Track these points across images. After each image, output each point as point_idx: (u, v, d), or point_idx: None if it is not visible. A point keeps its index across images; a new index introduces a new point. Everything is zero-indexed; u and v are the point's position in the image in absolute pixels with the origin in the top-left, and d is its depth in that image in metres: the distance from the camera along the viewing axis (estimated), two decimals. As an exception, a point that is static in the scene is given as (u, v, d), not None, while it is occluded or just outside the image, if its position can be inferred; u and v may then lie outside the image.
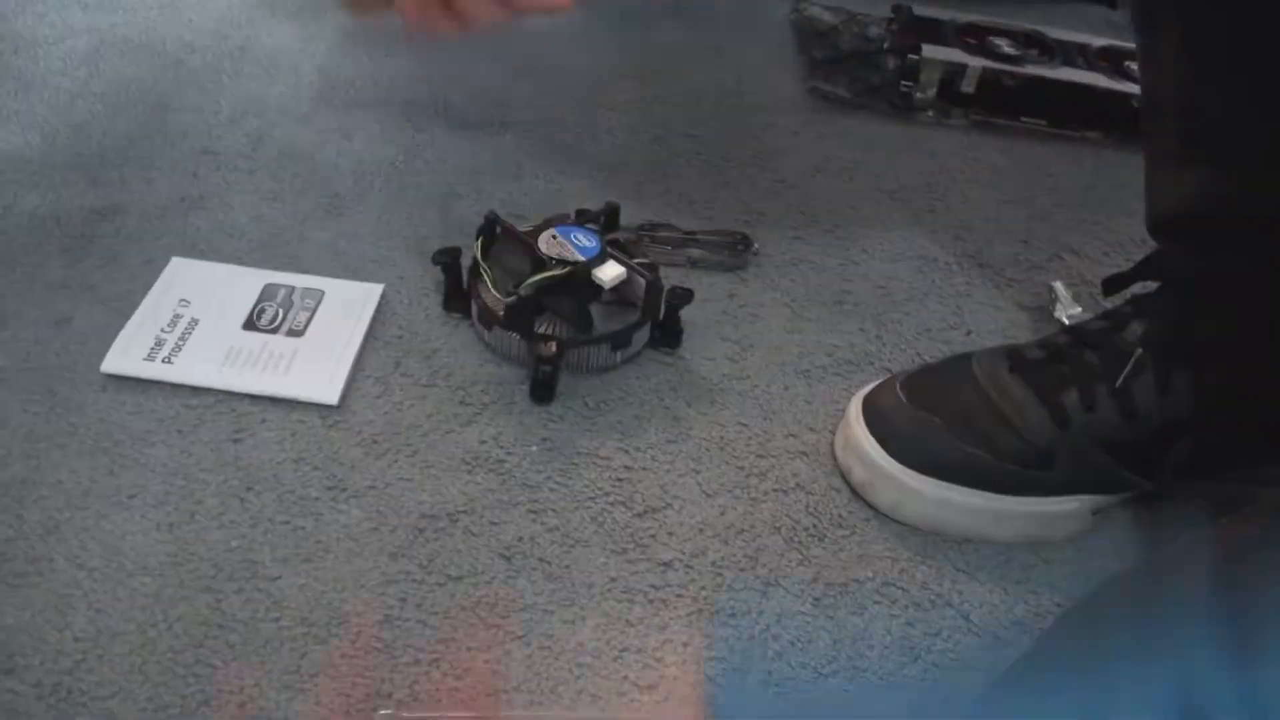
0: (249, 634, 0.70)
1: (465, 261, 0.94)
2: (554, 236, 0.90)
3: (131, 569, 0.74)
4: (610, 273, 0.88)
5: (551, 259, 0.88)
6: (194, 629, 0.71)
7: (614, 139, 1.21)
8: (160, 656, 0.69)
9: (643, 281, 0.88)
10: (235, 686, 0.67)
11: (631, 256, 0.91)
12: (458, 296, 0.94)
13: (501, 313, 0.87)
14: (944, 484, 0.80)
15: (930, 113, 1.34)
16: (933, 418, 0.81)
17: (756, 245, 1.04)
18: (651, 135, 1.22)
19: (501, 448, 0.84)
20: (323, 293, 0.95)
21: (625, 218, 0.99)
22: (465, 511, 0.79)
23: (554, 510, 0.80)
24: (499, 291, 0.88)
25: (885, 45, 1.43)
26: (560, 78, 1.32)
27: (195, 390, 0.86)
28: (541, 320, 0.88)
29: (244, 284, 0.95)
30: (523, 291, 0.86)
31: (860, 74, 1.39)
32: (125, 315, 0.91)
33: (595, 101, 1.28)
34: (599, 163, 1.17)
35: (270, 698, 0.67)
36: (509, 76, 1.31)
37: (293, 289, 0.95)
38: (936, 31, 1.38)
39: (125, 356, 0.87)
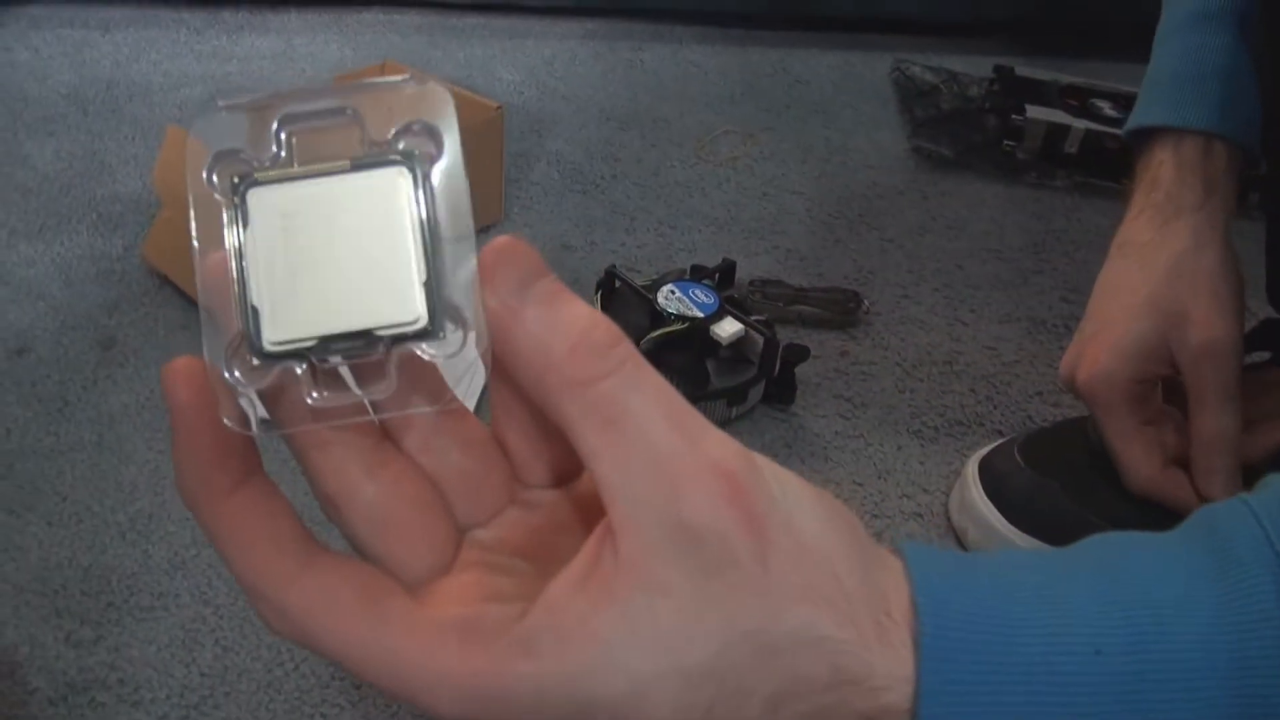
0: (376, 678, 0.71)
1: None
2: (672, 292, 0.91)
3: (258, 608, 0.76)
4: (728, 329, 0.89)
5: (670, 314, 0.89)
6: (320, 670, 0.72)
7: (723, 194, 1.23)
8: (286, 696, 0.70)
9: (759, 338, 0.89)
10: (364, 730, 0.69)
11: (747, 313, 0.92)
12: (574, 349, 0.95)
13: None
14: (1059, 550, 0.80)
15: (1033, 173, 1.34)
16: (1049, 481, 0.81)
17: (867, 303, 1.05)
18: (760, 191, 1.24)
19: (619, 500, 0.85)
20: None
21: (736, 273, 1.00)
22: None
23: (671, 564, 0.80)
24: (619, 346, 0.89)
25: (987, 105, 1.43)
26: (667, 131, 1.34)
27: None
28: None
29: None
30: (642, 346, 0.87)
31: (962, 133, 1.39)
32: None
33: (703, 157, 1.29)
34: (709, 217, 1.18)
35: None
36: (617, 129, 1.33)
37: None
38: (1039, 92, 1.38)
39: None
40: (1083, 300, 1.09)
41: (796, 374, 0.94)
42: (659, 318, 0.90)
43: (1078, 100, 1.38)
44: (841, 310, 1.04)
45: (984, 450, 0.87)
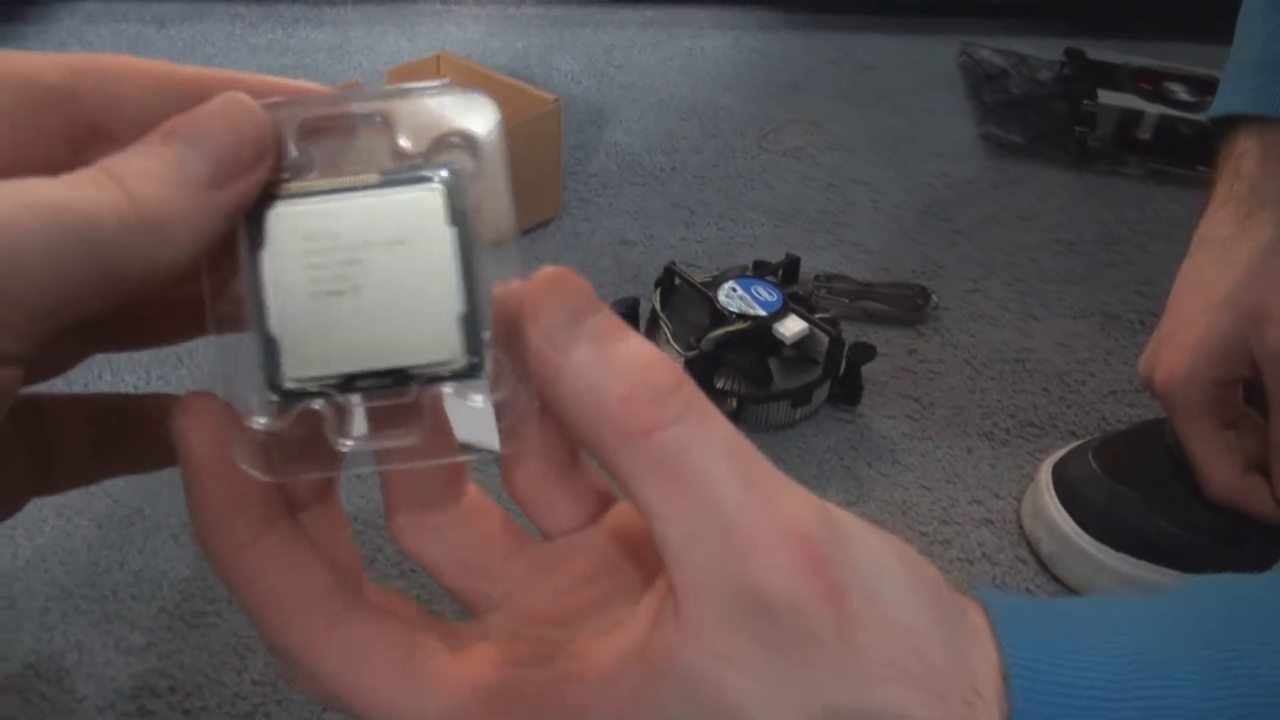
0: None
1: (642, 310, 0.93)
2: (734, 289, 0.89)
3: (313, 616, 0.74)
4: (792, 328, 0.86)
5: (732, 313, 0.87)
6: None
7: (786, 185, 1.20)
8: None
9: (824, 337, 0.87)
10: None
11: (812, 310, 0.89)
12: (635, 347, 0.93)
13: (681, 366, 0.86)
14: (1137, 561, 0.77)
15: (1105, 160, 1.30)
16: (1126, 490, 0.78)
17: (935, 298, 1.02)
18: (824, 182, 1.21)
19: (680, 505, 0.83)
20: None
21: (800, 268, 0.97)
22: (645, 571, 0.78)
23: (734, 572, 0.78)
24: (678, 345, 0.87)
25: (1058, 90, 1.39)
26: (727, 121, 1.31)
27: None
28: (720, 375, 0.86)
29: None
30: (703, 346, 0.85)
31: (1033, 119, 1.36)
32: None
33: (765, 147, 1.26)
34: (771, 210, 1.16)
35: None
36: (676, 119, 1.31)
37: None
38: (1111, 76, 1.35)
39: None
40: (1158, 294, 1.07)
41: (863, 373, 0.91)
42: (720, 316, 0.87)
43: (1151, 84, 1.34)
44: (909, 306, 1.01)
45: (1058, 454, 0.84)
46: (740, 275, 0.91)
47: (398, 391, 0.31)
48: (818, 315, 0.89)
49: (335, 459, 0.32)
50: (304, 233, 0.31)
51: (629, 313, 0.92)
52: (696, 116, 1.31)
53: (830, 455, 0.88)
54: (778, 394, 0.86)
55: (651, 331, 0.91)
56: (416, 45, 1.47)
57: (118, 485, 0.84)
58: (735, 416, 0.84)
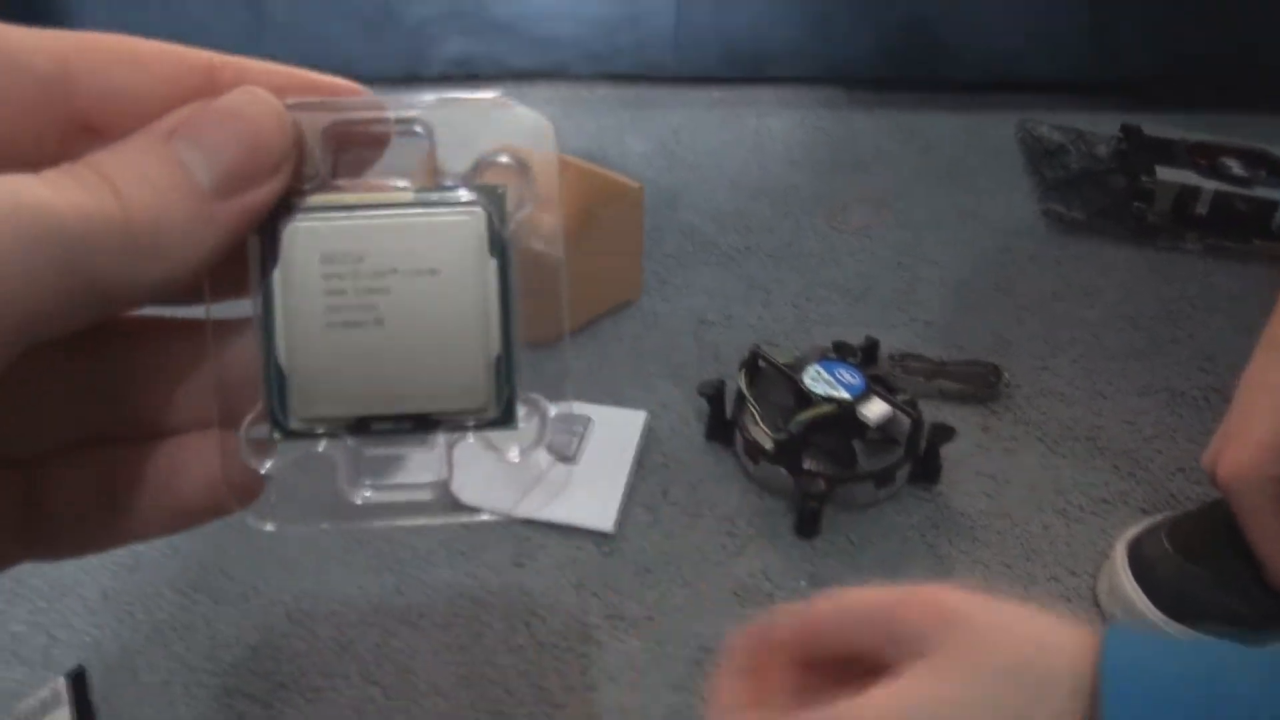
0: (544, 763, 0.74)
1: (728, 391, 0.97)
2: (819, 372, 0.93)
3: (423, 689, 0.78)
4: (876, 411, 0.90)
5: (817, 396, 0.91)
6: (489, 754, 0.74)
7: (856, 263, 1.24)
8: (456, 779, 0.73)
9: (905, 419, 0.90)
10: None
11: (891, 391, 0.93)
12: (721, 427, 0.97)
13: (770, 448, 0.90)
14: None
15: (1164, 236, 1.33)
16: (1198, 569, 0.81)
17: (1007, 376, 1.05)
18: (893, 260, 1.25)
19: (770, 581, 0.86)
20: (590, 419, 0.99)
21: (878, 348, 1.01)
22: (740, 646, 0.81)
23: (825, 647, 0.82)
24: (767, 426, 0.91)
25: (1115, 165, 1.43)
26: (797, 199, 1.35)
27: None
28: (808, 455, 0.90)
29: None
30: (792, 429, 0.89)
31: (1092, 194, 1.39)
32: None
33: (834, 226, 1.30)
34: (844, 288, 1.20)
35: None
36: (747, 198, 1.35)
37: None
38: (1168, 152, 1.38)
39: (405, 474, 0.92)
40: (1219, 370, 1.10)
41: (941, 452, 0.94)
42: (806, 399, 0.91)
43: (1206, 159, 1.37)
44: (982, 384, 1.04)
45: (1132, 532, 0.87)
46: (823, 358, 0.95)
47: (417, 439, 0.29)
48: (898, 397, 0.93)
49: (347, 510, 0.30)
50: (324, 253, 0.28)
51: (715, 395, 0.96)
52: (766, 195, 1.36)
53: (913, 533, 0.91)
54: (863, 475, 0.90)
55: (739, 413, 0.95)
56: (490, 129, 1.52)
57: (230, 561, 0.88)
58: (823, 497, 0.88)
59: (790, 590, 0.86)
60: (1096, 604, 0.87)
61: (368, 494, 0.30)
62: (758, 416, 0.92)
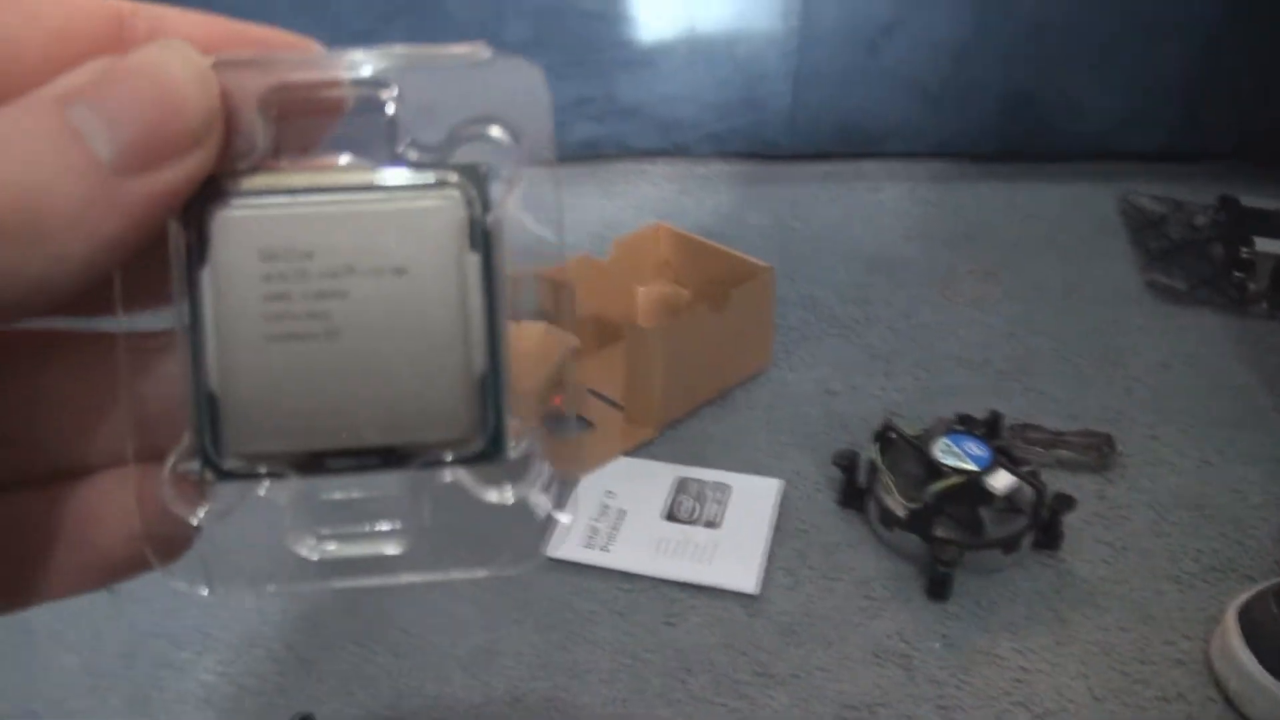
0: (708, 809, 0.81)
1: (860, 462, 1.04)
2: (948, 445, 1.00)
3: (592, 738, 0.86)
4: (1002, 482, 0.96)
5: (948, 467, 0.97)
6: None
7: (972, 334, 1.31)
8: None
9: (1029, 490, 0.97)
10: None
11: (1014, 461, 1.00)
12: (854, 495, 1.04)
13: (904, 515, 0.97)
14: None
15: (1264, 304, 1.38)
16: (1306, 632, 0.87)
17: (1120, 446, 1.11)
18: (1005, 331, 1.31)
19: (905, 642, 0.93)
20: (730, 487, 1.06)
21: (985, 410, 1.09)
22: (881, 704, 0.88)
23: (961, 708, 0.88)
24: (901, 496, 0.98)
25: (1214, 235, 1.48)
26: (912, 271, 1.43)
27: (627, 575, 0.98)
28: (938, 523, 0.97)
29: (659, 477, 1.08)
30: (926, 498, 0.96)
31: (1193, 264, 1.45)
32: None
33: (948, 297, 1.37)
34: (961, 359, 1.26)
35: None
36: (863, 270, 1.42)
37: (703, 483, 1.07)
38: (1266, 221, 1.43)
39: (566, 542, 1.00)
40: (1323, 443, 1.16)
41: (1062, 519, 1.01)
42: (936, 470, 0.98)
43: (1302, 228, 1.42)
44: (1096, 454, 1.11)
45: (1243, 597, 0.92)
46: (949, 430, 1.02)
47: (382, 479, 0.24)
48: (1022, 468, 0.99)
49: (298, 569, 0.25)
50: (263, 248, 0.23)
51: (849, 465, 1.03)
52: (882, 267, 1.43)
53: (1036, 598, 0.97)
54: (991, 542, 0.97)
55: (872, 482, 1.02)
56: (615, 204, 1.61)
57: (406, 618, 0.96)
58: (954, 563, 0.94)
59: (925, 651, 0.92)
60: (1210, 667, 0.92)
61: (329, 547, 0.25)
62: (892, 486, 0.99)
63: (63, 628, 0.95)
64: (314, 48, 0.24)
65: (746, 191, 1.62)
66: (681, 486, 1.07)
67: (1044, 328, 1.32)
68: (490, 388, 0.23)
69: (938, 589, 0.96)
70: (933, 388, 1.22)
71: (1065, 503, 0.99)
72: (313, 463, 0.24)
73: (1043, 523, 1.00)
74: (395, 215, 0.23)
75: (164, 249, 0.23)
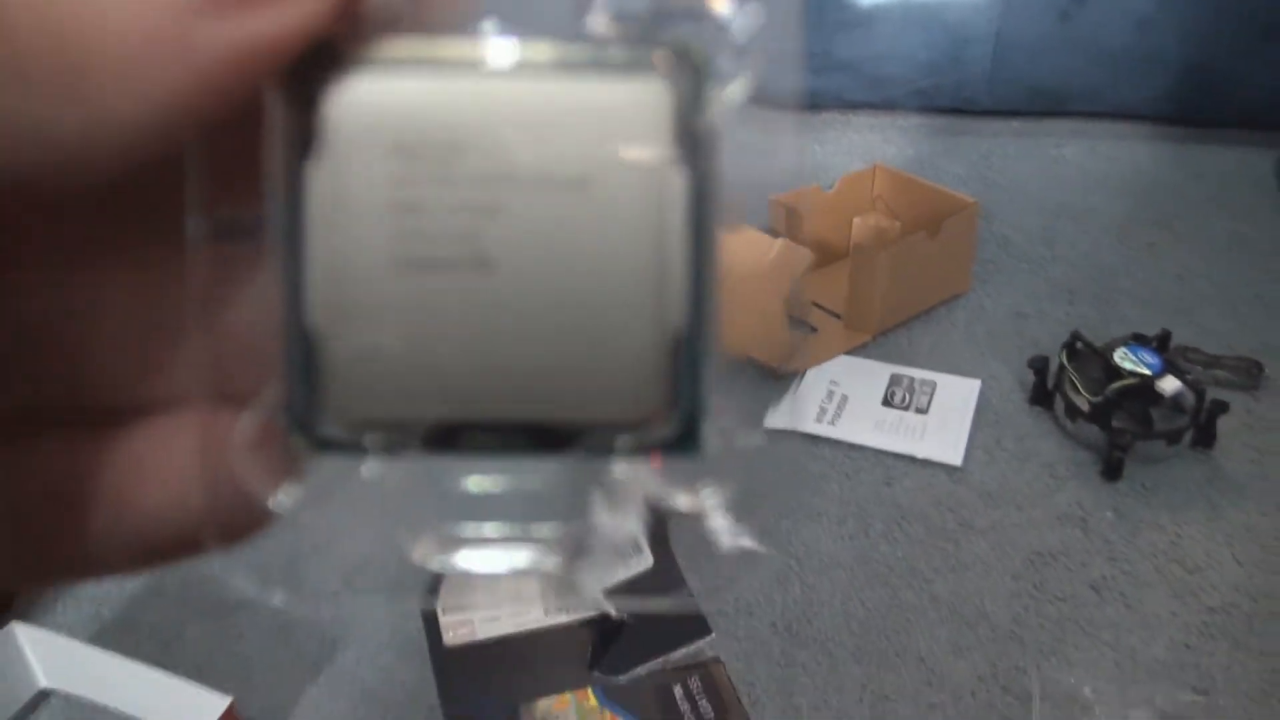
0: (916, 617, 1.03)
1: (1051, 367, 1.25)
2: (1126, 353, 1.20)
3: (828, 563, 1.08)
4: (1171, 386, 1.17)
5: (1126, 370, 1.18)
6: (880, 607, 1.04)
7: (1145, 274, 1.51)
8: (859, 623, 1.03)
9: (1191, 394, 1.17)
10: (915, 650, 1.00)
11: (1181, 373, 1.20)
12: (1043, 394, 1.25)
13: (1087, 409, 1.18)
14: None
15: None
16: None
17: (1267, 371, 1.31)
18: (1174, 274, 1.51)
19: (1083, 510, 1.14)
20: (935, 383, 1.28)
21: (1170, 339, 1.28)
22: (1062, 554, 1.09)
23: (1126, 560, 1.09)
24: (1086, 393, 1.19)
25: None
26: (1094, 220, 1.63)
27: (852, 446, 1.21)
28: (1115, 416, 1.17)
29: (875, 373, 1.30)
30: (1107, 394, 1.16)
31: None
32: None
33: (1125, 241, 1.57)
34: (1133, 295, 1.47)
35: (938, 660, 0.99)
36: (1049, 216, 1.63)
37: (913, 379, 1.29)
38: None
39: (797, 417, 1.22)
40: None
41: (1218, 422, 1.21)
42: (1114, 373, 1.19)
43: None
44: (1247, 375, 1.30)
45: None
46: (1127, 342, 1.23)
47: (533, 466, 0.18)
48: (1187, 377, 1.19)
49: (414, 577, 0.21)
50: (396, 139, 0.17)
51: (1042, 367, 1.24)
52: (1066, 214, 1.64)
53: (1193, 485, 1.18)
54: (1158, 434, 1.17)
55: (1059, 383, 1.23)
56: (824, 149, 1.83)
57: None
58: (1126, 449, 1.15)
59: (1099, 518, 1.13)
60: (1340, 545, 1.12)
61: (454, 555, 0.19)
62: (1078, 384, 1.20)
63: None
64: None
65: (945, 142, 1.83)
66: (894, 380, 1.29)
67: (1207, 272, 1.52)
68: (688, 353, 0.17)
69: (1112, 470, 1.17)
70: (1109, 317, 1.42)
71: (1221, 407, 1.19)
72: (445, 438, 0.17)
73: (1200, 424, 1.20)
74: (577, 106, 0.17)
75: (258, 131, 0.17)
